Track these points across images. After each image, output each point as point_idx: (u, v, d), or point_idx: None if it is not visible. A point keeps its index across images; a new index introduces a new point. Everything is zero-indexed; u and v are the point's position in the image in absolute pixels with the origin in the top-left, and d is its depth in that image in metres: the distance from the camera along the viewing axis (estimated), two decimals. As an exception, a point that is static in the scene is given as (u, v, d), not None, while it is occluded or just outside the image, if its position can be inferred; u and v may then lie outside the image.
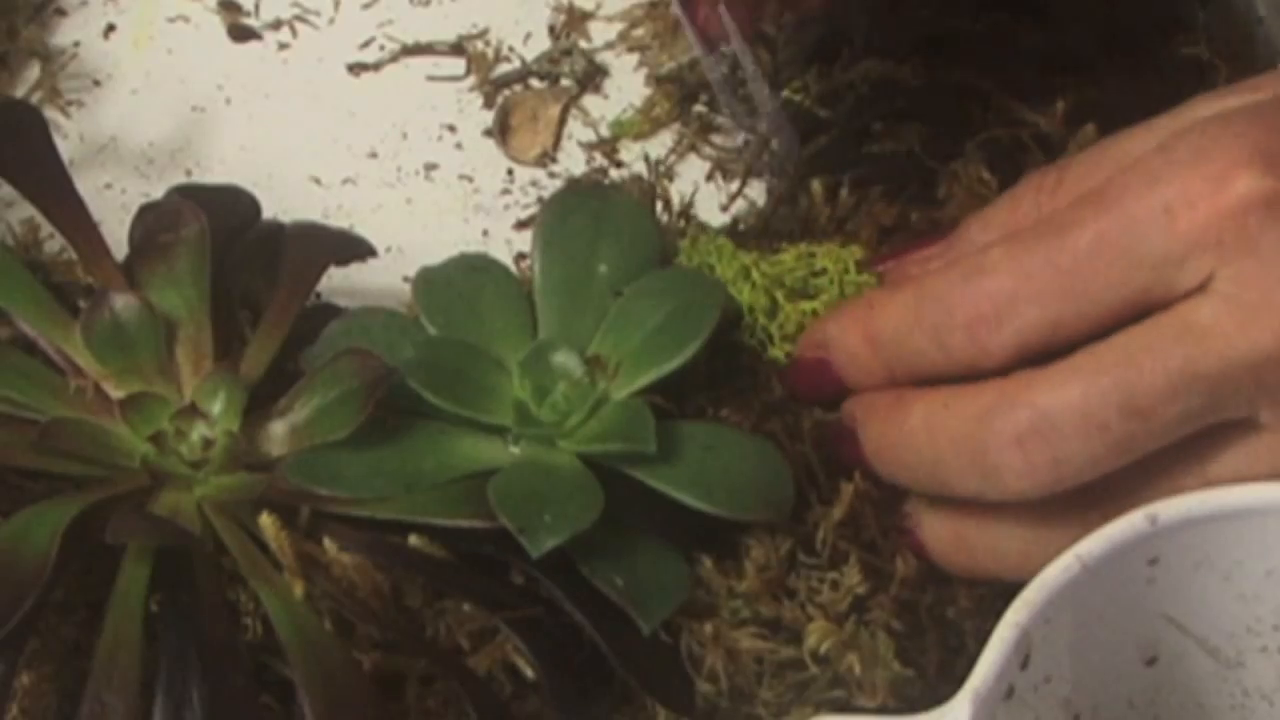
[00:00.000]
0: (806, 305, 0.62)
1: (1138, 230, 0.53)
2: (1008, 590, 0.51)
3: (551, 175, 0.70)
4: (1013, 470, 0.53)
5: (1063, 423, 0.53)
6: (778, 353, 0.62)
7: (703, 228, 0.66)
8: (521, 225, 0.69)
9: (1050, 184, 0.58)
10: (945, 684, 0.56)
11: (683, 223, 0.67)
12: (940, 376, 0.56)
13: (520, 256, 0.67)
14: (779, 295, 0.62)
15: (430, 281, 0.61)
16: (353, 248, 0.64)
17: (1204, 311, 0.52)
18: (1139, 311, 0.53)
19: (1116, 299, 0.53)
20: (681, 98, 0.71)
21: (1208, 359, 0.52)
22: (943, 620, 0.58)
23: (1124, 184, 0.53)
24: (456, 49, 0.73)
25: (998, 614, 0.51)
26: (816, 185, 0.66)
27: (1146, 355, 0.52)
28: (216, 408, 0.58)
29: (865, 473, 0.58)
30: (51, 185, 0.63)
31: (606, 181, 0.70)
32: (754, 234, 0.65)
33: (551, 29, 0.73)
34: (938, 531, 0.57)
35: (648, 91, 0.71)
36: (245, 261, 0.63)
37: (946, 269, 0.56)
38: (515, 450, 0.58)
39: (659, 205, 0.67)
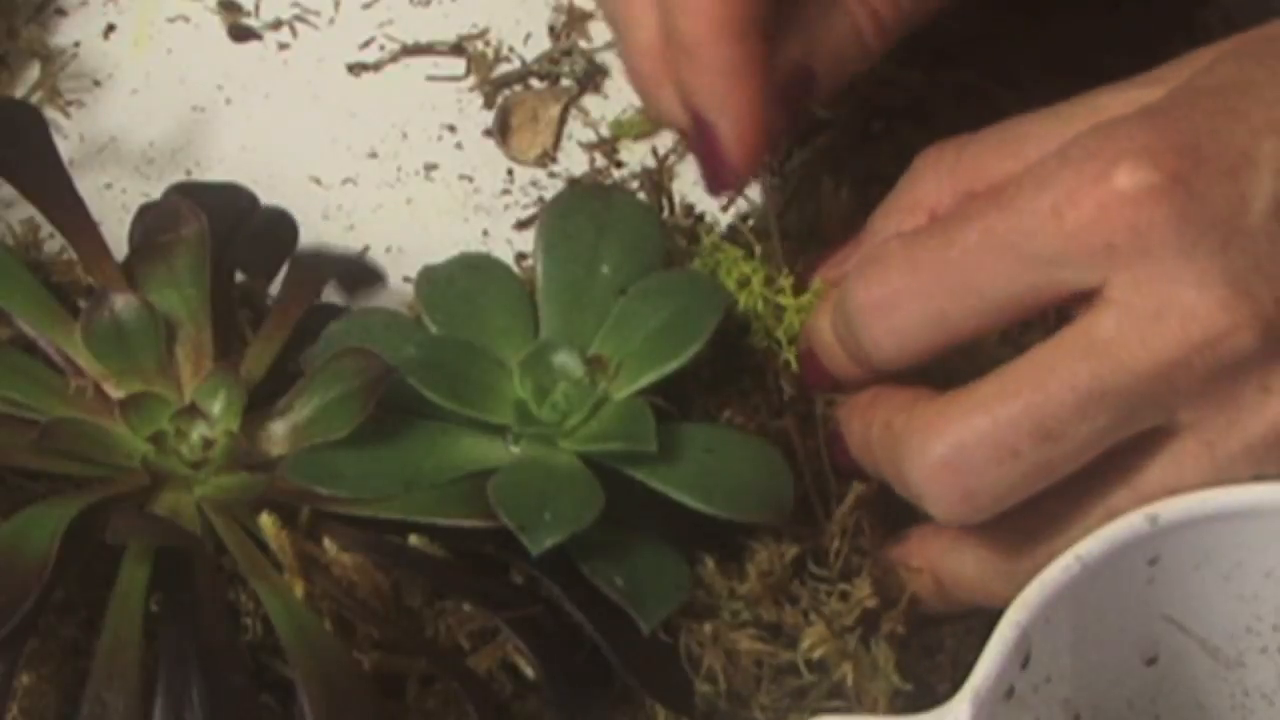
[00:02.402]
0: (806, 299, 0.61)
1: (1025, 228, 0.52)
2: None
3: (552, 175, 0.71)
4: (931, 500, 0.54)
5: (973, 454, 0.53)
6: (788, 355, 0.61)
7: (709, 229, 0.66)
8: (522, 225, 0.69)
9: (949, 160, 0.58)
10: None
11: (688, 221, 0.66)
12: (872, 369, 0.56)
13: (521, 256, 0.67)
14: (780, 299, 0.62)
15: (432, 281, 0.61)
16: (363, 275, 0.65)
17: (1105, 323, 0.52)
18: (1034, 312, 0.53)
19: (1003, 295, 0.53)
20: (682, 98, 0.71)
21: (1114, 374, 0.51)
22: (953, 638, 0.58)
23: (1019, 184, 0.53)
24: (456, 49, 0.73)
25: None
26: (827, 184, 0.66)
27: (1051, 376, 0.52)
28: (216, 408, 0.58)
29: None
30: (51, 185, 0.63)
31: (608, 182, 0.70)
32: (762, 235, 0.65)
33: (551, 29, 0.73)
34: (917, 566, 0.58)
35: (648, 91, 0.71)
36: (246, 259, 0.63)
37: (862, 259, 0.57)
38: (515, 450, 0.58)
39: (661, 205, 0.67)
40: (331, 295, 0.65)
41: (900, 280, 0.54)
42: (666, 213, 0.67)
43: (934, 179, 0.58)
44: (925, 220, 0.58)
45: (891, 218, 0.59)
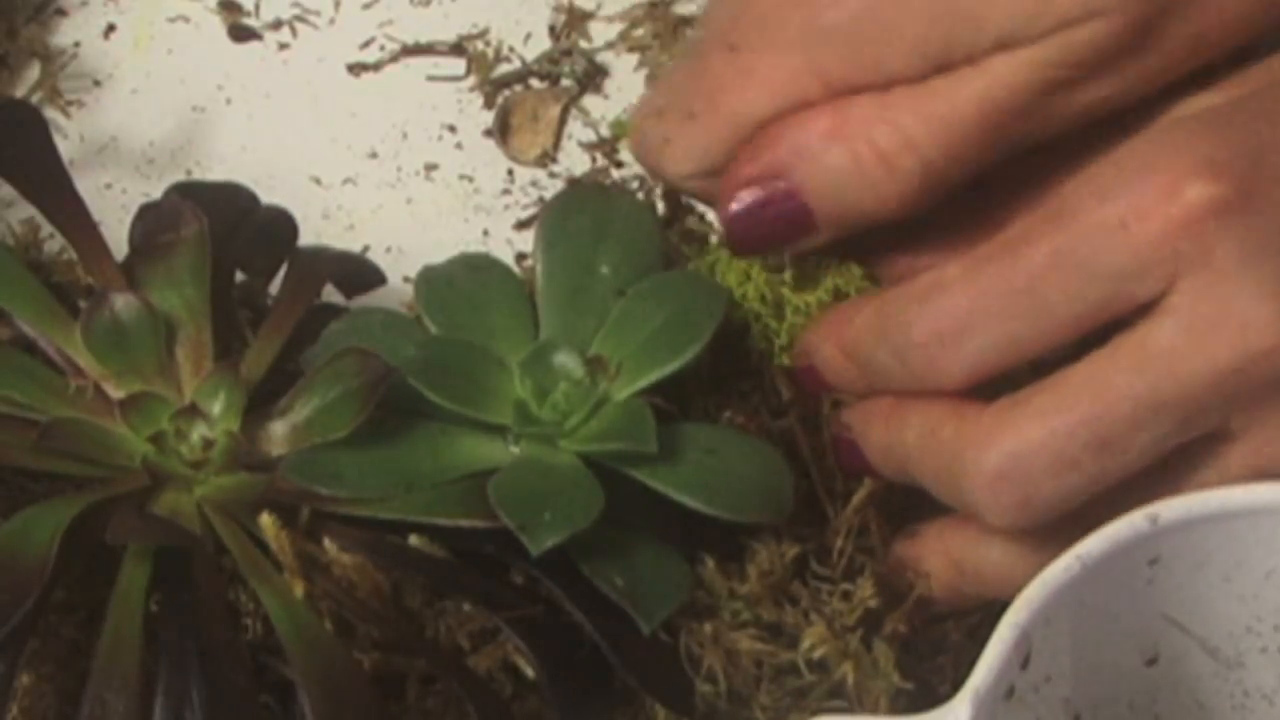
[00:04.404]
0: (810, 298, 0.61)
1: (1092, 244, 0.52)
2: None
3: (552, 175, 0.71)
4: (987, 509, 0.54)
5: (1032, 465, 0.53)
6: (785, 358, 0.61)
7: (710, 228, 0.66)
8: (522, 225, 0.69)
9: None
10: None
11: (688, 221, 0.66)
12: (911, 391, 0.56)
13: (521, 256, 0.67)
14: (783, 292, 0.62)
15: (431, 281, 0.61)
16: (363, 274, 0.65)
17: (1163, 333, 0.52)
18: (1101, 324, 0.53)
19: (1075, 314, 0.53)
20: (682, 98, 0.71)
21: (1170, 384, 0.52)
22: (956, 637, 0.58)
23: (1076, 199, 0.53)
24: (456, 49, 0.73)
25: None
26: None
27: (1110, 388, 0.52)
28: (216, 408, 0.58)
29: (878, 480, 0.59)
30: (51, 185, 0.63)
31: (607, 182, 0.70)
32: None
33: (551, 29, 0.73)
34: (934, 561, 0.58)
35: (648, 91, 0.71)
36: (246, 259, 0.63)
37: (906, 286, 0.56)
38: (515, 450, 0.58)
39: (660, 205, 0.67)
40: (331, 295, 0.65)
41: (967, 308, 0.54)
42: (667, 213, 0.67)
43: None
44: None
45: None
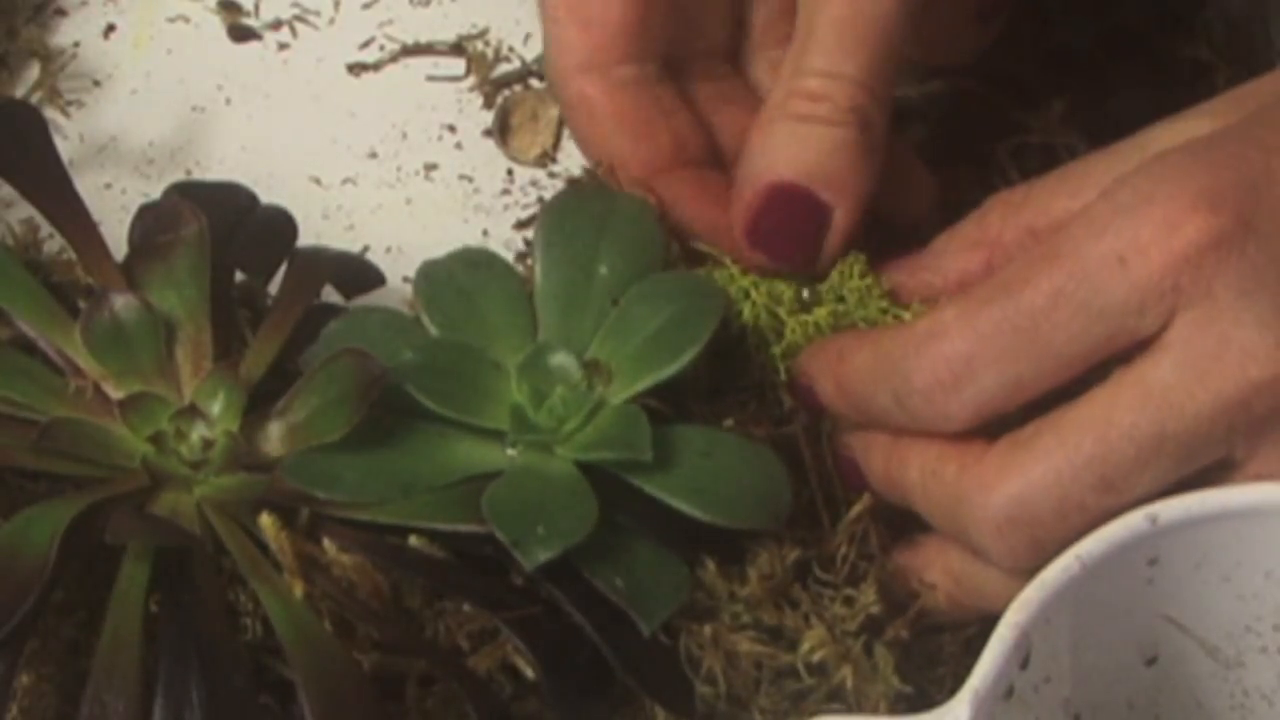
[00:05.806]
0: (808, 318, 0.61)
1: (1093, 282, 0.52)
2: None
3: (551, 175, 0.71)
4: (995, 553, 0.54)
5: (1039, 508, 0.53)
6: (781, 366, 0.61)
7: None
8: (521, 225, 0.69)
9: (1017, 200, 0.58)
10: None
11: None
12: (909, 432, 0.56)
13: (521, 256, 0.67)
14: (780, 311, 0.61)
15: (430, 277, 0.61)
16: (362, 275, 0.65)
17: (1164, 369, 0.52)
18: (1102, 360, 0.53)
19: (1077, 352, 0.53)
20: (681, 98, 0.71)
21: (1174, 420, 0.51)
22: (954, 646, 0.58)
23: (1073, 236, 0.53)
24: (456, 49, 0.73)
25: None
26: None
27: (1113, 428, 0.52)
28: (216, 408, 0.58)
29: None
30: (51, 185, 0.63)
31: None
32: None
33: (551, 28, 0.73)
34: (934, 573, 0.58)
35: (648, 91, 0.71)
36: (245, 258, 0.63)
37: (902, 331, 0.56)
38: (513, 453, 0.58)
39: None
40: (331, 295, 0.65)
41: (967, 352, 0.54)
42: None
43: (999, 217, 0.58)
44: (983, 259, 0.58)
45: (954, 243, 0.59)
